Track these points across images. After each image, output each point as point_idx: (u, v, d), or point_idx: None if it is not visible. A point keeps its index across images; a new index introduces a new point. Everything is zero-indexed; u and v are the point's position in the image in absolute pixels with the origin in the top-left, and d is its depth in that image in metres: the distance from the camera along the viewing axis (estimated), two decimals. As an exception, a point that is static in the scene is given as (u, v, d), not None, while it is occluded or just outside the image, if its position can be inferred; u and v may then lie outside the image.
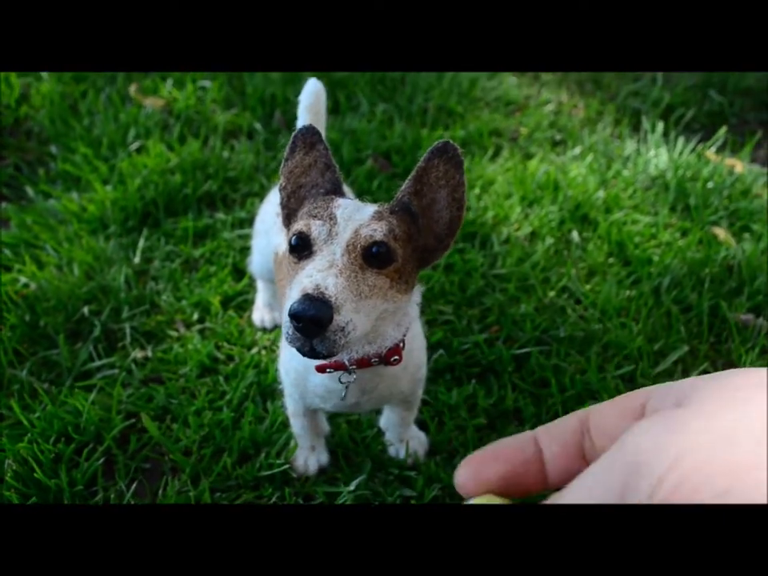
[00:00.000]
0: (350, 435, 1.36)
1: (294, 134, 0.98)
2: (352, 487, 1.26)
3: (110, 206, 1.92)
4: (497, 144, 2.38)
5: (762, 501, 0.32)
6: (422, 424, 1.39)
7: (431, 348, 1.48)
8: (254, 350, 1.55)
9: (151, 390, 1.44)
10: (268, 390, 1.44)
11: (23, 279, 1.69)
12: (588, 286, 1.77)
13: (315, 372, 1.00)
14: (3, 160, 2.18)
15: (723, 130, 2.42)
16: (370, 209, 0.90)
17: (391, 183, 2.05)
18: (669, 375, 1.54)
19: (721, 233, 1.98)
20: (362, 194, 1.83)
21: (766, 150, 2.49)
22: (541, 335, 1.60)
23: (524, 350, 1.55)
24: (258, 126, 2.33)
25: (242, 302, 1.68)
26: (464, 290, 1.72)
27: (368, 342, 0.93)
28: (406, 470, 1.30)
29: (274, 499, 1.24)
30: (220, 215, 1.94)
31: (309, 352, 0.82)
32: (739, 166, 2.30)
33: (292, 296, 0.81)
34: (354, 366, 0.96)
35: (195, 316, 1.62)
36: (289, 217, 0.98)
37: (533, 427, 0.52)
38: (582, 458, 0.56)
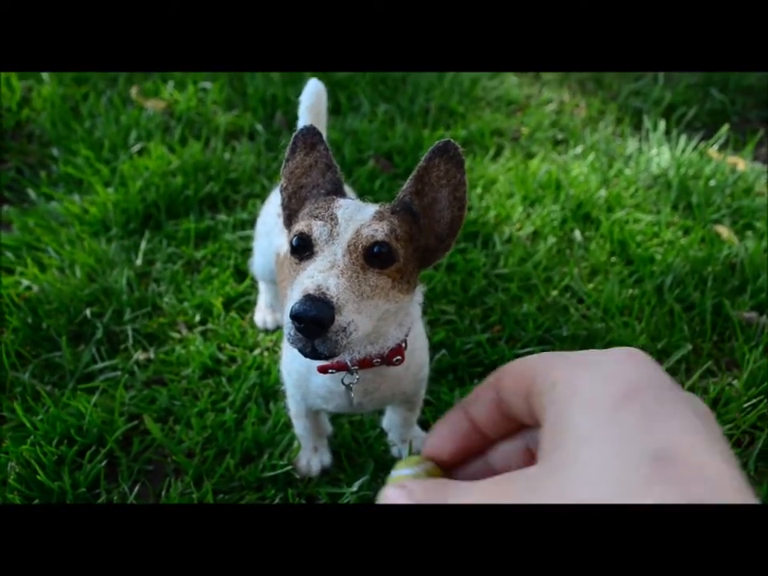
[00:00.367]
0: (353, 436, 1.36)
1: (294, 134, 0.98)
2: (355, 488, 1.25)
3: (112, 208, 1.92)
4: (498, 144, 2.37)
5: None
6: (424, 424, 1.39)
7: (433, 348, 1.48)
8: (257, 352, 1.55)
9: (154, 392, 1.44)
10: (270, 391, 1.43)
11: (25, 282, 1.69)
12: (590, 285, 1.76)
13: (317, 373, 0.99)
14: (5, 163, 2.19)
15: (725, 128, 2.42)
16: (371, 209, 0.89)
17: (393, 183, 2.05)
18: (672, 374, 1.53)
19: (723, 231, 1.97)
20: (363, 195, 1.83)
21: (767, 148, 2.48)
22: (543, 334, 1.60)
23: (527, 349, 1.55)
24: (259, 127, 2.33)
25: (243, 304, 1.68)
26: (466, 289, 1.72)
27: (370, 343, 0.93)
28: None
29: (277, 500, 1.24)
30: (221, 217, 1.94)
31: (310, 353, 0.82)
32: (741, 164, 2.29)
33: (293, 297, 0.80)
34: (356, 367, 0.95)
35: (197, 318, 1.62)
36: (290, 218, 0.98)
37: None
38: (507, 418, 0.68)
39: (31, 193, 2.02)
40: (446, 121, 2.47)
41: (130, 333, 1.57)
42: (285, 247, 1.23)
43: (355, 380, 0.98)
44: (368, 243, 0.84)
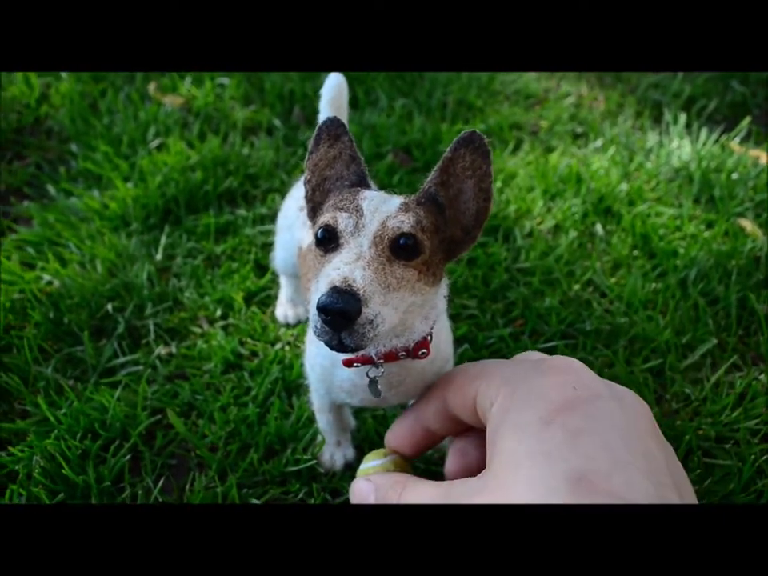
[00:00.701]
0: (376, 430, 1.35)
1: (318, 126, 0.97)
2: (378, 482, 1.25)
3: (132, 203, 1.92)
4: (517, 137, 2.36)
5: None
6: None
7: (456, 342, 1.46)
8: (278, 346, 1.54)
9: (176, 387, 1.44)
10: (293, 385, 1.43)
11: (47, 277, 1.69)
12: (613, 279, 1.75)
13: (342, 367, 0.98)
14: (24, 159, 2.20)
15: (747, 120, 2.39)
16: (397, 200, 0.89)
17: (412, 177, 2.04)
18: (697, 369, 1.52)
19: (747, 224, 1.95)
20: (383, 189, 1.82)
21: (791, 141, 2.45)
22: (566, 329, 1.59)
23: (550, 343, 1.54)
24: (277, 122, 2.32)
25: (264, 298, 1.68)
26: (488, 284, 1.71)
27: (396, 336, 0.92)
28: (432, 464, 1.29)
29: (301, 495, 1.24)
30: (241, 211, 1.94)
31: (337, 345, 0.81)
32: (764, 156, 2.26)
33: (320, 289, 0.79)
34: (382, 360, 0.95)
35: (218, 312, 1.62)
36: (314, 210, 0.97)
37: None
38: (459, 421, 0.88)
39: (51, 189, 2.02)
40: (464, 115, 2.46)
41: (151, 327, 1.58)
42: (307, 240, 1.23)
43: (380, 373, 0.97)
44: (394, 235, 0.83)
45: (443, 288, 0.97)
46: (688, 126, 2.42)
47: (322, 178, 0.97)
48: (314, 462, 1.27)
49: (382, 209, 0.86)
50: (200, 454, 1.30)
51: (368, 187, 0.95)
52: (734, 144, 2.33)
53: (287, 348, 1.54)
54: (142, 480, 1.28)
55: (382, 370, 0.97)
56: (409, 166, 2.12)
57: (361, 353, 0.93)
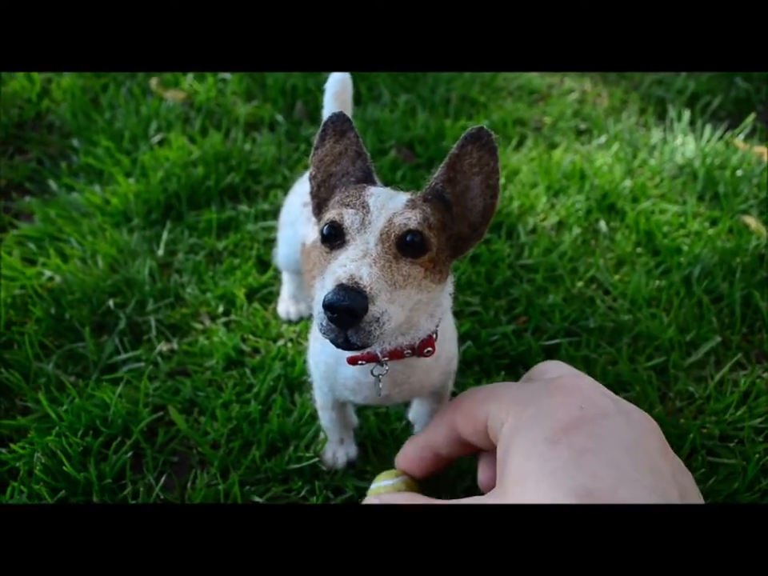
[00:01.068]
0: (379, 428, 1.35)
1: (324, 121, 0.96)
2: (382, 480, 1.24)
3: (133, 198, 1.91)
4: (521, 133, 2.35)
5: None
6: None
7: (459, 339, 1.46)
8: (280, 343, 1.53)
9: (178, 383, 1.43)
10: (295, 382, 1.42)
11: (48, 272, 1.68)
12: (617, 276, 1.74)
13: (346, 364, 0.98)
14: (26, 154, 2.19)
15: (751, 117, 2.38)
16: (403, 197, 0.88)
17: (415, 173, 2.03)
18: (701, 366, 1.51)
19: (751, 222, 1.94)
20: (386, 185, 1.81)
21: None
22: (570, 326, 1.58)
23: (553, 341, 1.53)
24: (279, 117, 2.31)
25: (266, 295, 1.67)
26: (491, 280, 1.70)
27: (401, 333, 0.91)
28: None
29: (303, 492, 1.23)
30: (243, 207, 1.93)
31: (343, 343, 0.80)
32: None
33: (326, 286, 0.79)
34: (387, 358, 0.94)
35: (220, 308, 1.61)
36: (319, 206, 0.97)
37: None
38: (469, 445, 0.94)
39: (52, 184, 2.01)
40: (467, 111, 2.45)
41: (153, 323, 1.57)
42: (311, 237, 1.22)
43: (385, 371, 0.97)
44: (401, 232, 0.82)
45: (449, 285, 0.96)
46: (692, 122, 2.41)
47: (327, 173, 0.97)
48: (317, 459, 1.27)
49: (388, 205, 0.85)
50: (202, 451, 1.30)
51: (374, 183, 0.94)
52: (738, 141, 2.31)
53: (289, 345, 1.53)
54: (144, 477, 1.27)
55: (387, 368, 0.96)
56: (412, 161, 2.11)
57: (366, 350, 0.92)
